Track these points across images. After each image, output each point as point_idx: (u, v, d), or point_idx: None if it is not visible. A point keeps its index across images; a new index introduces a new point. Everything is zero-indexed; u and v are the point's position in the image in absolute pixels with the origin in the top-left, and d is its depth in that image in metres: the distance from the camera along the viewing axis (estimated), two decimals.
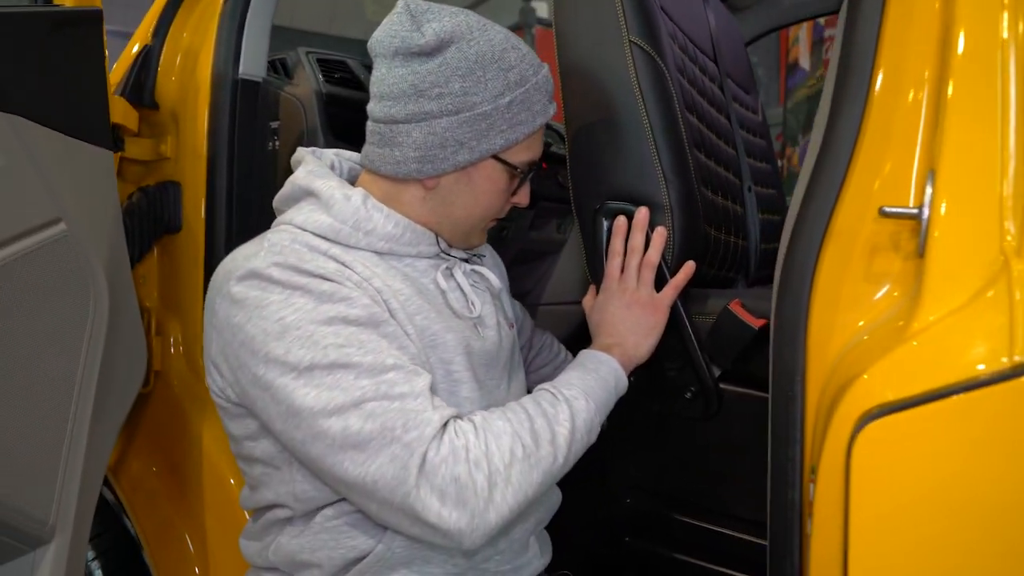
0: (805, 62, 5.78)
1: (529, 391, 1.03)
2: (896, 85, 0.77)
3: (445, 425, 0.81)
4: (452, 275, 0.98)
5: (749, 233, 1.57)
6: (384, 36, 0.90)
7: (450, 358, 0.91)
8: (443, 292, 0.95)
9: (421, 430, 0.78)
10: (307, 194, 0.93)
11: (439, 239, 0.96)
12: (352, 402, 0.79)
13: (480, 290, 1.01)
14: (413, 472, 0.77)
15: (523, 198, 1.00)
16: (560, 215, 1.89)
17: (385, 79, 0.90)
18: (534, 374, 1.23)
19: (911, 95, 0.76)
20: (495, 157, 0.92)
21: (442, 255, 0.97)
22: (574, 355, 1.29)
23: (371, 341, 0.82)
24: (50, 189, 0.98)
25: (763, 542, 1.07)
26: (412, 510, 0.78)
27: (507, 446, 0.81)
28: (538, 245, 1.91)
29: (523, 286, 1.90)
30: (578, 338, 1.57)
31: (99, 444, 1.05)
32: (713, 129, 1.42)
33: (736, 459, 1.14)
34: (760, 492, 0.91)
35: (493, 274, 1.04)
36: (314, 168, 0.95)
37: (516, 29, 8.16)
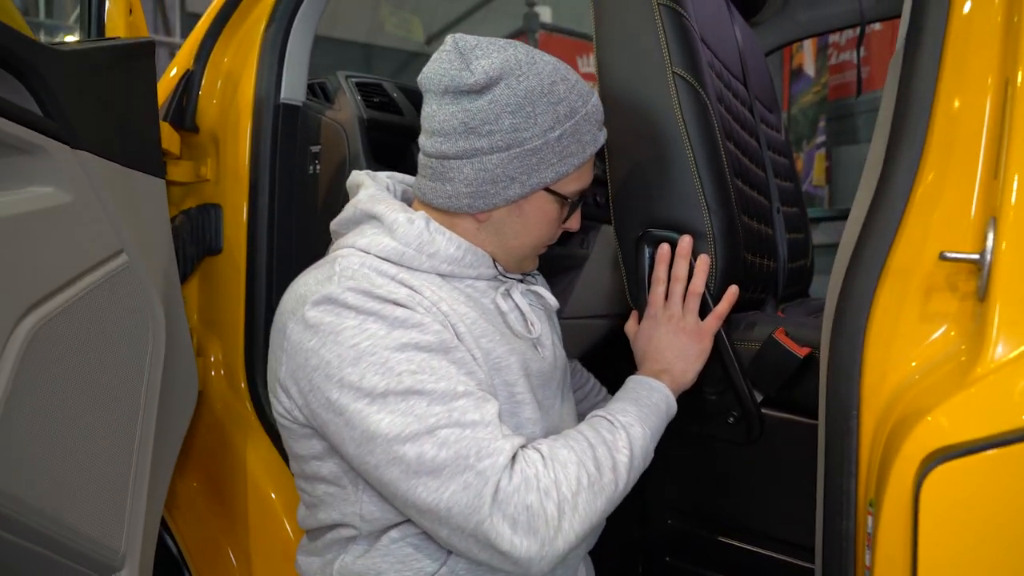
0: (809, 68, 5.81)
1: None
2: (954, 128, 0.79)
3: (515, 454, 0.83)
4: (510, 295, 0.99)
5: (778, 254, 1.60)
6: (434, 74, 0.91)
7: (513, 380, 0.93)
8: (503, 313, 0.97)
9: (494, 459, 0.81)
10: (370, 217, 0.95)
11: (496, 262, 0.98)
12: (426, 429, 0.80)
13: (537, 309, 1.04)
14: (487, 500, 0.79)
15: (574, 224, 1.03)
16: (584, 230, 1.91)
17: (436, 115, 0.92)
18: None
19: (969, 136, 0.79)
20: (546, 189, 0.94)
21: (500, 277, 0.99)
22: (596, 370, 1.33)
23: (442, 367, 0.84)
24: (113, 222, 1.00)
25: (804, 564, 1.10)
26: (486, 537, 0.80)
27: (574, 475, 0.84)
28: (561, 260, 1.94)
29: None
30: (600, 353, 1.60)
31: (160, 468, 1.08)
32: (747, 154, 1.45)
33: (777, 482, 1.17)
34: (801, 515, 0.93)
35: (548, 293, 1.06)
36: (375, 192, 0.97)
37: (519, 34, 8.18)
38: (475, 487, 0.80)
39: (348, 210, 0.98)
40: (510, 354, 0.93)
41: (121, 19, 1.20)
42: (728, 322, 1.14)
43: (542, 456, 0.84)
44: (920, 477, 0.67)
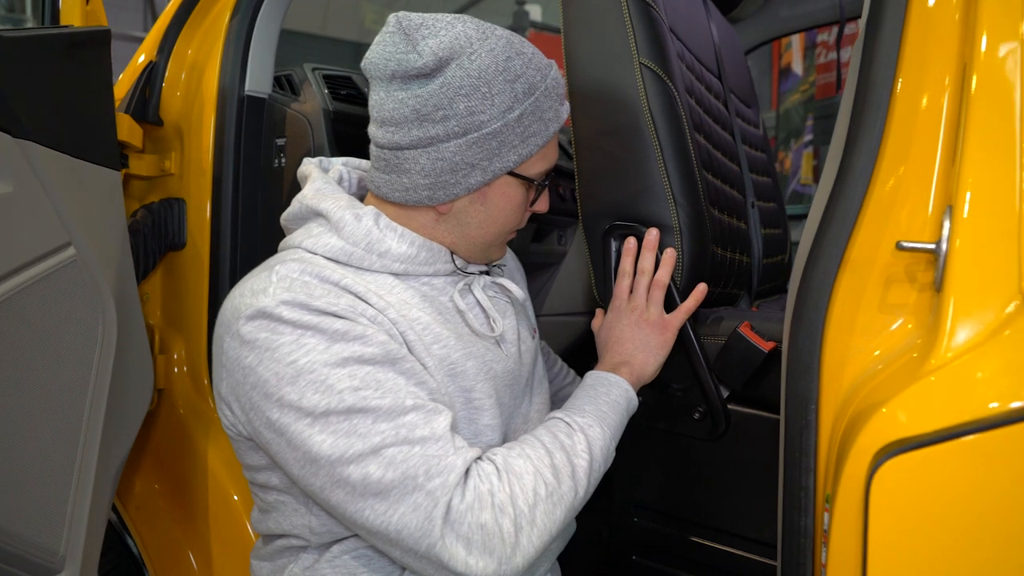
0: (798, 67, 5.82)
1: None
2: (913, 116, 0.78)
3: (468, 469, 0.79)
4: (470, 291, 0.94)
5: (752, 249, 1.59)
6: (378, 58, 0.85)
7: (471, 386, 0.88)
8: (461, 312, 0.91)
9: (444, 477, 0.76)
10: (316, 214, 0.90)
11: (454, 257, 0.93)
12: (371, 449, 0.76)
13: (502, 302, 0.99)
14: (438, 522, 0.75)
15: (543, 205, 0.96)
16: (561, 227, 1.90)
17: (384, 103, 0.85)
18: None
19: (928, 125, 0.77)
20: (510, 173, 0.88)
21: (459, 272, 0.94)
22: (575, 367, 1.30)
23: (388, 380, 0.79)
24: (60, 214, 0.97)
25: (769, 562, 1.08)
26: (438, 559, 0.76)
27: (530, 487, 0.80)
28: (539, 257, 1.92)
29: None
30: (580, 349, 1.58)
31: (108, 469, 1.05)
32: (719, 147, 1.43)
33: (743, 479, 1.15)
34: (767, 512, 0.91)
35: (515, 284, 1.00)
36: (321, 186, 0.91)
37: None
38: (425, 508, 0.75)
39: (294, 205, 0.92)
40: (467, 358, 0.88)
41: (77, 7, 1.16)
42: (695, 316, 1.12)
43: (496, 469, 0.80)
44: (871, 471, 0.65)
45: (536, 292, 1.96)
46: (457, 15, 0.87)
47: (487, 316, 0.94)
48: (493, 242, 0.95)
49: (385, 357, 0.80)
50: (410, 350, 0.84)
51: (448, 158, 0.85)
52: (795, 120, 5.70)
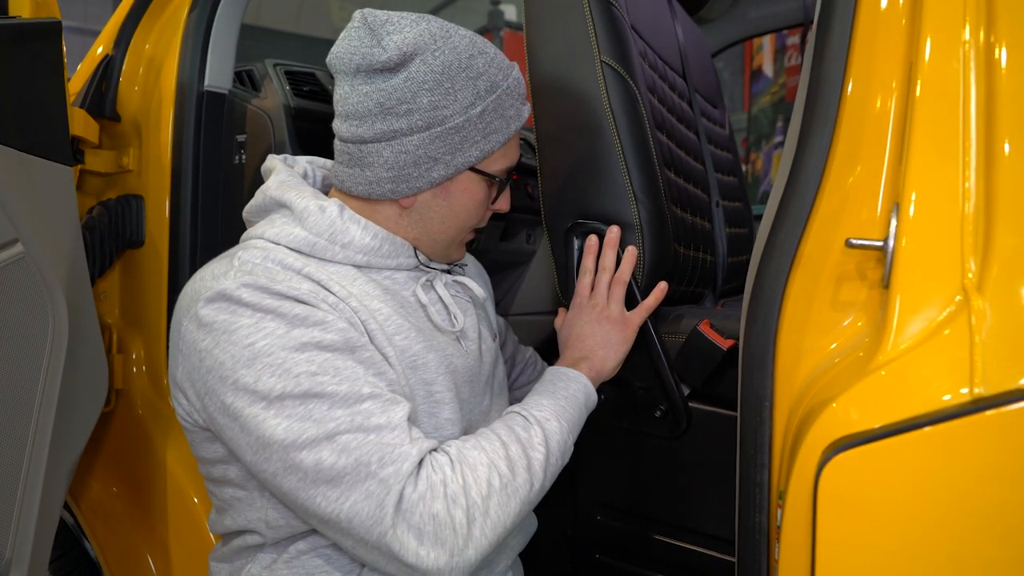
0: (769, 69, 5.88)
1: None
2: (862, 116, 0.79)
3: (422, 460, 0.79)
4: (433, 287, 0.95)
5: (717, 248, 1.60)
6: (343, 52, 0.86)
7: (432, 379, 0.88)
8: (424, 306, 0.92)
9: (398, 465, 0.76)
10: (279, 206, 0.90)
11: (417, 252, 0.94)
12: (325, 435, 0.76)
13: (463, 300, 1.00)
14: (389, 510, 0.75)
15: (504, 204, 0.98)
16: (530, 226, 1.90)
17: (349, 97, 0.87)
18: (518, 391, 1.22)
19: (877, 125, 0.78)
20: (472, 169, 0.90)
21: (422, 267, 0.95)
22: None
23: (347, 368, 0.79)
24: (6, 209, 0.95)
25: (730, 558, 1.09)
26: (389, 549, 0.75)
27: (484, 478, 0.80)
28: (508, 256, 1.92)
29: (494, 297, 1.90)
30: (549, 349, 1.58)
31: (58, 471, 1.02)
32: (683, 146, 1.44)
33: (705, 477, 1.16)
34: (728, 509, 0.92)
35: (476, 284, 1.01)
36: (286, 178, 0.92)
37: (484, 32, 8.16)
38: (377, 496, 0.75)
39: (258, 197, 0.93)
40: (428, 351, 0.88)
41: None
42: (656, 314, 1.12)
43: (450, 459, 0.80)
44: (819, 467, 0.66)
45: (505, 291, 1.96)
46: (421, 15, 0.88)
47: (448, 312, 0.95)
48: (454, 238, 0.96)
49: (345, 344, 0.80)
50: (371, 339, 0.84)
51: (411, 151, 0.86)
52: (766, 122, 5.76)
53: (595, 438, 1.00)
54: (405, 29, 0.85)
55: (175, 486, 1.31)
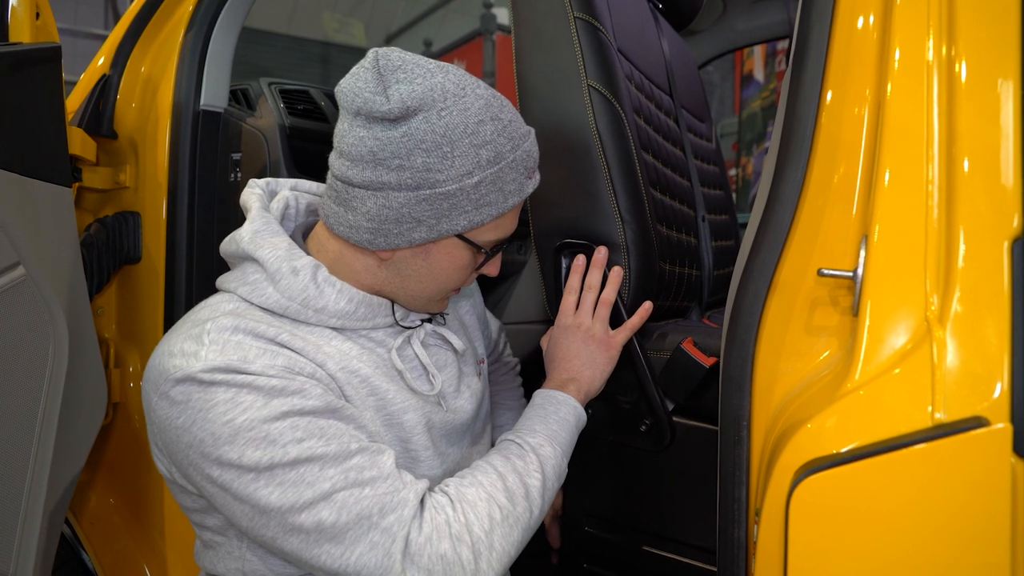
0: (759, 74, 5.93)
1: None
2: (835, 146, 0.82)
3: (422, 501, 0.80)
4: (410, 344, 0.92)
5: (703, 262, 1.63)
6: (349, 90, 0.82)
7: (408, 436, 0.88)
8: (400, 372, 0.89)
9: (399, 512, 0.77)
10: (252, 260, 0.86)
11: (395, 308, 0.91)
12: (321, 495, 0.75)
13: (444, 351, 0.97)
14: (398, 557, 0.76)
15: (493, 269, 0.94)
16: (521, 237, 1.93)
17: (346, 136, 0.83)
18: (495, 388, 1.24)
19: (848, 160, 0.82)
20: (457, 236, 0.85)
21: (399, 324, 0.92)
22: (533, 375, 1.33)
23: (331, 427, 0.78)
24: (9, 233, 0.97)
25: (714, 569, 1.12)
26: None
27: (484, 513, 0.81)
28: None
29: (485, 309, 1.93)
30: (538, 358, 1.60)
31: (60, 486, 1.05)
32: (668, 164, 1.47)
33: (688, 489, 1.19)
34: (711, 522, 0.95)
35: (455, 333, 0.99)
36: (260, 227, 0.87)
37: (476, 36, 8.18)
38: (383, 546, 0.76)
39: (231, 244, 0.88)
40: (404, 412, 0.88)
41: (26, 23, 1.16)
42: (642, 331, 1.16)
43: (450, 499, 0.81)
44: (791, 488, 0.69)
45: (496, 301, 1.99)
46: (443, 65, 0.83)
47: (426, 372, 0.93)
48: (433, 297, 0.92)
49: (326, 408, 0.79)
50: (348, 401, 0.84)
51: (395, 208, 0.82)
52: (757, 126, 5.81)
53: (582, 451, 1.03)
54: (416, 80, 0.79)
55: (171, 498, 1.33)
